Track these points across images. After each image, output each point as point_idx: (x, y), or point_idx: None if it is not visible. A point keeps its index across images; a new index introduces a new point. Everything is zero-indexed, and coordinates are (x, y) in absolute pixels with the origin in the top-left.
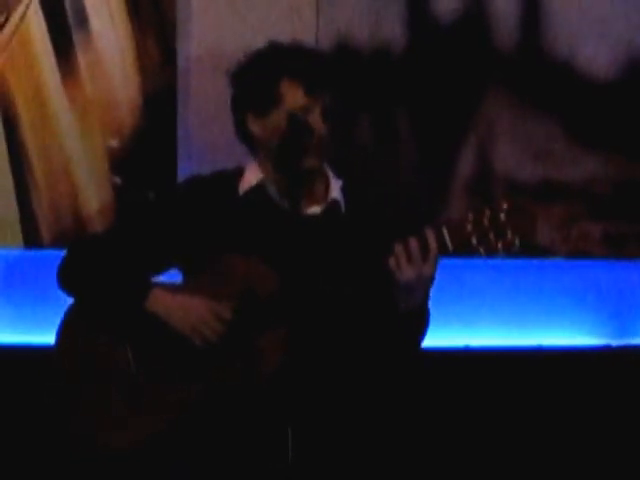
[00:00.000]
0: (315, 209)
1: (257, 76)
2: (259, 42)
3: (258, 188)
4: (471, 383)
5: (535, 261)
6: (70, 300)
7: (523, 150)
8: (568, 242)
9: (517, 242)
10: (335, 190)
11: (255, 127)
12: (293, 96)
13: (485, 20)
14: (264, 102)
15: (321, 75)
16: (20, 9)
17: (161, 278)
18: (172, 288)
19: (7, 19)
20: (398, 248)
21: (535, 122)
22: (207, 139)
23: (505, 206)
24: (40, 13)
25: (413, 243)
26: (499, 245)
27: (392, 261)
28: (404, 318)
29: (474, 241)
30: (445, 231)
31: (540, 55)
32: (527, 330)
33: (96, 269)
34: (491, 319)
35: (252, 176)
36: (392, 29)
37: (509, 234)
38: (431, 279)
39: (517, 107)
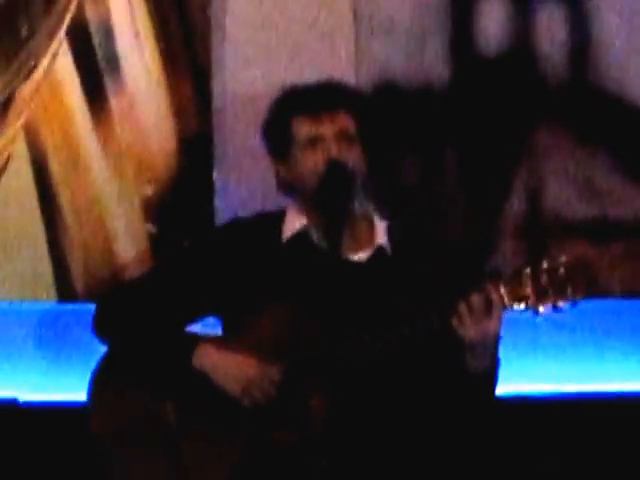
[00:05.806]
0: (361, 255)
1: (272, 125)
2: (296, 82)
3: (302, 234)
4: (529, 433)
5: (590, 301)
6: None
7: (575, 187)
8: (624, 281)
9: (578, 297)
10: (380, 234)
11: (285, 174)
12: (301, 129)
13: (533, 52)
14: (283, 147)
15: (325, 98)
16: (49, 54)
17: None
18: (218, 342)
19: (35, 65)
20: (461, 305)
21: (587, 158)
22: (244, 185)
23: (564, 259)
24: (70, 57)
25: (475, 299)
26: (559, 303)
27: (455, 320)
28: (472, 381)
29: (532, 299)
30: (502, 288)
31: (591, 87)
32: (584, 374)
33: (136, 317)
34: (546, 363)
35: (295, 221)
36: (435, 63)
37: (569, 290)
38: (496, 337)
39: (568, 142)
